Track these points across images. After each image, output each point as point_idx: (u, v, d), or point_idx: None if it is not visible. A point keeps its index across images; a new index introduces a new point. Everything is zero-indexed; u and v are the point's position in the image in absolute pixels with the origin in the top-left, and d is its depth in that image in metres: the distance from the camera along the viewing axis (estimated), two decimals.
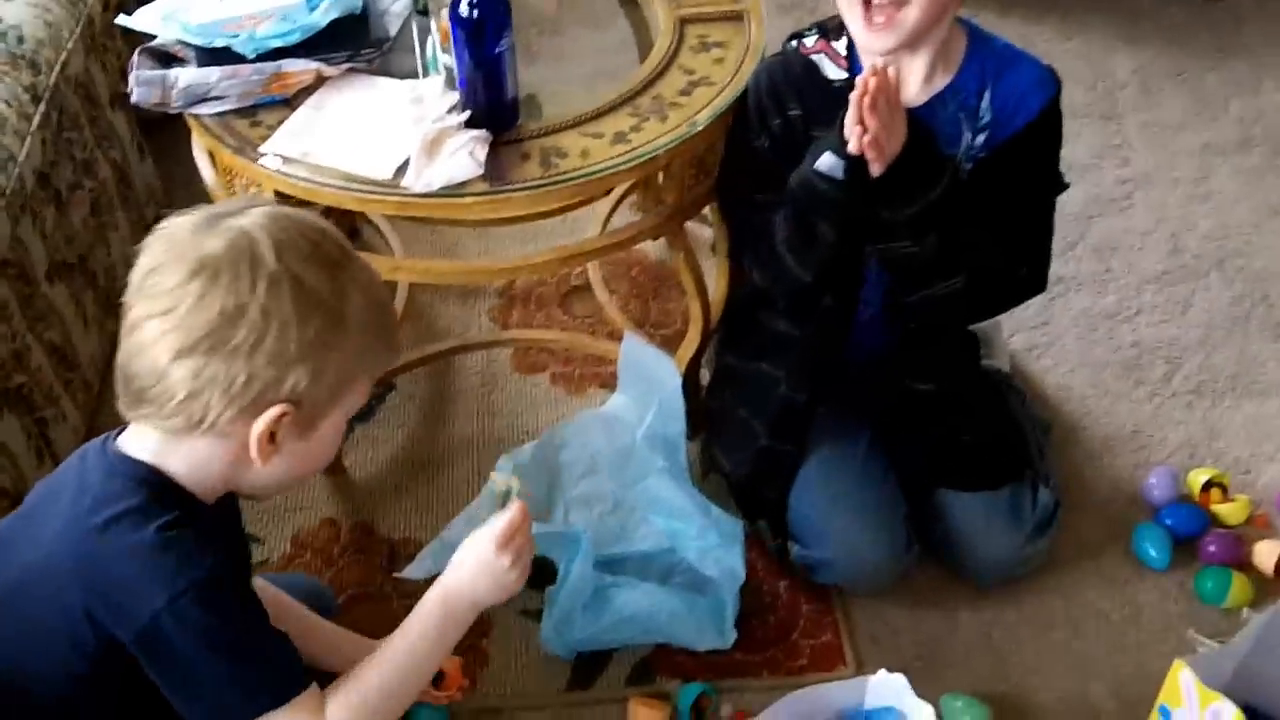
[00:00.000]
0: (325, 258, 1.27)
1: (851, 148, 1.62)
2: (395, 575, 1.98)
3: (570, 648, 1.90)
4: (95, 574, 1.25)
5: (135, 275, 1.26)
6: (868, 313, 1.89)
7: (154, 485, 1.30)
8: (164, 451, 1.31)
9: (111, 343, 2.37)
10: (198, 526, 1.29)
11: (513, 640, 1.94)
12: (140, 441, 1.32)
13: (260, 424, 1.27)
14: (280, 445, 1.30)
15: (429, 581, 1.93)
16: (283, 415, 1.27)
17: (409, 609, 1.92)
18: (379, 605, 1.97)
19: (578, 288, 2.49)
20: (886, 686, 1.58)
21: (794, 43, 1.86)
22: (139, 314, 1.25)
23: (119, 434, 1.35)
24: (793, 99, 1.81)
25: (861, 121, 1.58)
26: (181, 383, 1.23)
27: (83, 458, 1.36)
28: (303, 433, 1.31)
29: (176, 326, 1.22)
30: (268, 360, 1.23)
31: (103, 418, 2.24)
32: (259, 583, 1.62)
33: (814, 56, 1.82)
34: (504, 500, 1.51)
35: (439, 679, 1.83)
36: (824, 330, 1.88)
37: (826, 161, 1.68)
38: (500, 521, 1.47)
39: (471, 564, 1.47)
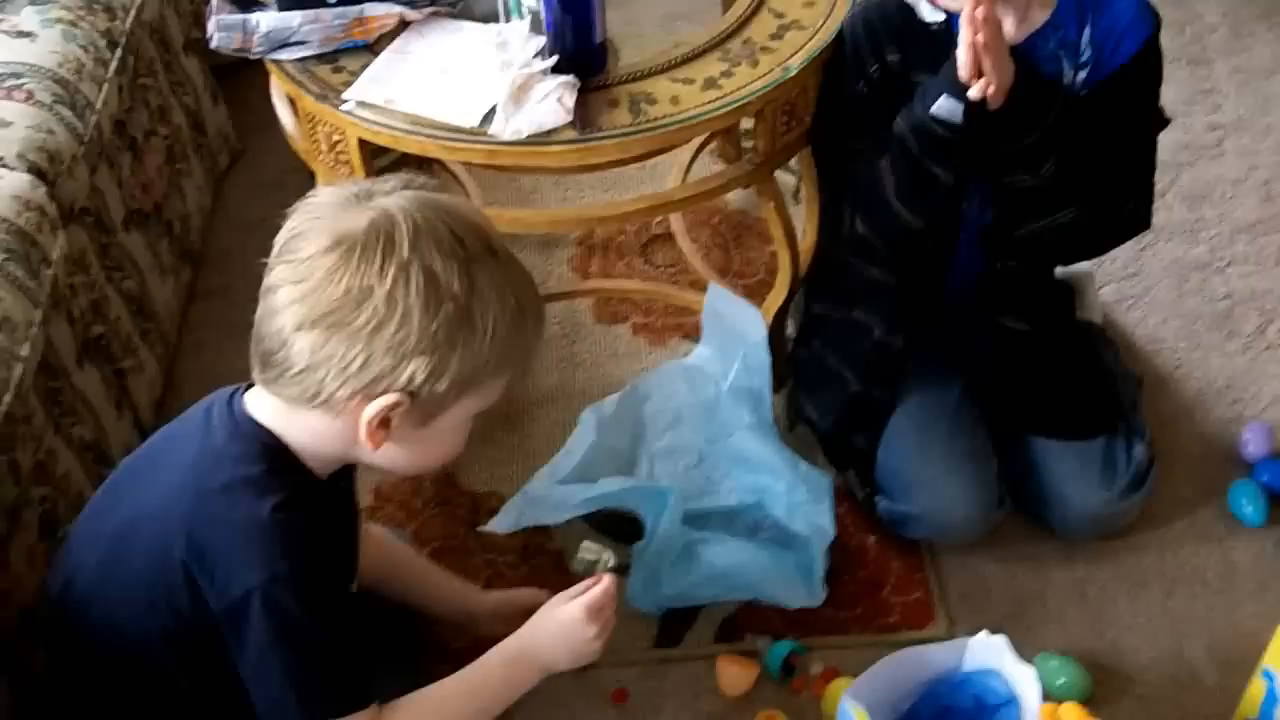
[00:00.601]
0: (465, 253, 1.22)
1: (973, 94, 1.59)
2: (479, 530, 1.96)
3: (658, 604, 1.88)
4: (203, 535, 1.24)
5: (280, 237, 1.26)
6: (962, 252, 1.85)
7: (275, 454, 1.28)
8: (285, 419, 1.29)
9: (187, 293, 2.36)
10: (310, 509, 1.28)
11: None
12: (264, 405, 1.31)
13: (371, 409, 1.24)
14: (394, 433, 1.27)
15: (513, 535, 1.96)
16: (396, 405, 1.24)
17: (491, 563, 1.95)
18: (462, 559, 1.95)
19: (658, 236, 2.44)
20: (986, 648, 1.54)
21: None
22: (275, 278, 1.24)
23: (245, 389, 1.33)
24: (891, 44, 1.76)
25: (977, 64, 1.55)
26: (301, 354, 1.22)
27: (208, 411, 1.34)
28: (419, 424, 1.28)
29: (304, 297, 1.20)
30: (387, 347, 1.20)
31: (180, 369, 2.24)
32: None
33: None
34: (591, 569, 1.51)
35: None
36: (921, 273, 1.84)
37: (945, 106, 1.64)
38: (595, 591, 1.45)
39: (555, 627, 1.45)
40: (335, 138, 1.81)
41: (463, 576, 1.91)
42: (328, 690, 1.29)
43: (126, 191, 2.12)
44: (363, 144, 1.78)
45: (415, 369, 1.22)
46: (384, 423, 1.26)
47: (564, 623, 1.44)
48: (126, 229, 2.10)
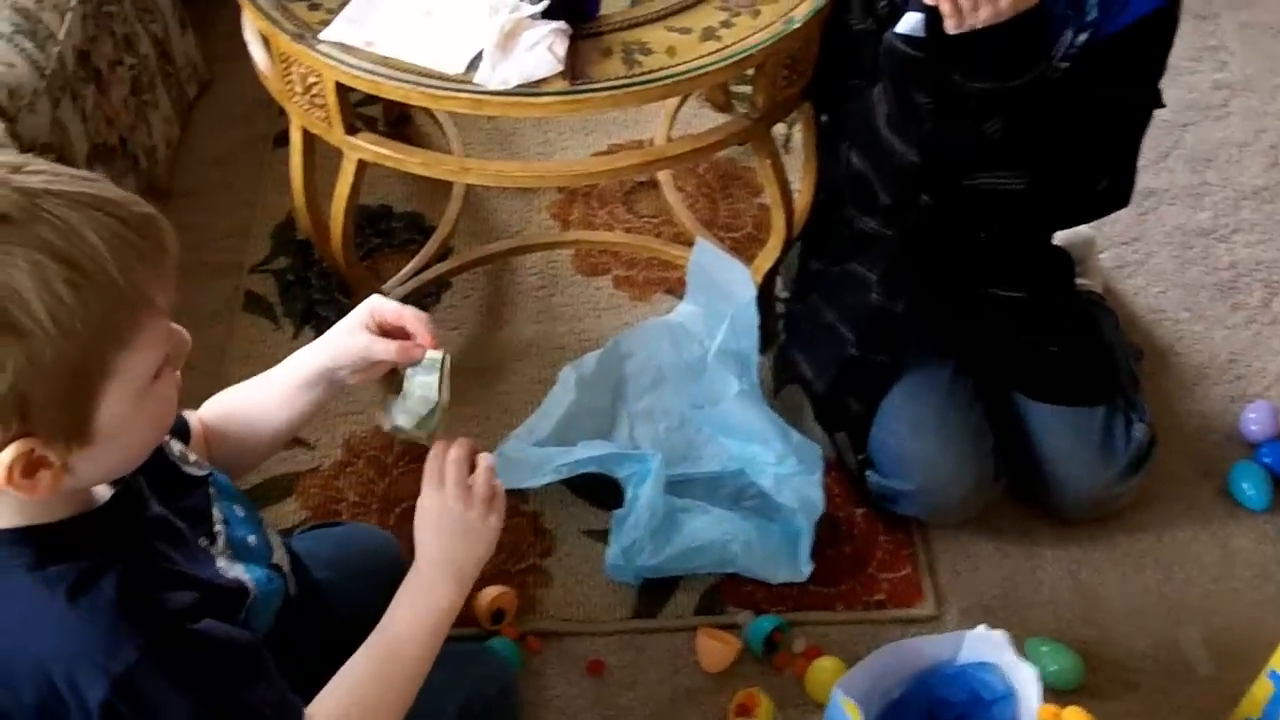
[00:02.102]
0: None
1: None
2: None
3: (637, 574, 1.81)
4: (27, 680, 1.00)
5: None
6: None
7: (20, 546, 1.00)
8: None
9: None
10: (111, 551, 1.02)
11: (576, 561, 1.86)
12: None
13: None
14: (67, 465, 0.97)
15: None
16: (18, 456, 0.93)
17: None
18: None
19: (642, 184, 2.35)
20: (985, 641, 1.48)
21: None
22: None
23: None
24: None
25: None
26: None
27: None
28: (77, 439, 0.96)
29: None
30: None
31: None
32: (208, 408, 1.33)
33: None
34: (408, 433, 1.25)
35: (500, 618, 1.75)
36: (919, 228, 1.74)
37: (909, 21, 1.55)
38: (449, 471, 1.24)
39: (437, 533, 1.23)
40: (311, 80, 1.71)
41: None
42: None
43: (91, 126, 2.01)
44: (340, 88, 1.69)
45: None
46: (30, 469, 0.94)
47: (446, 521, 1.22)
48: (90, 165, 2.00)
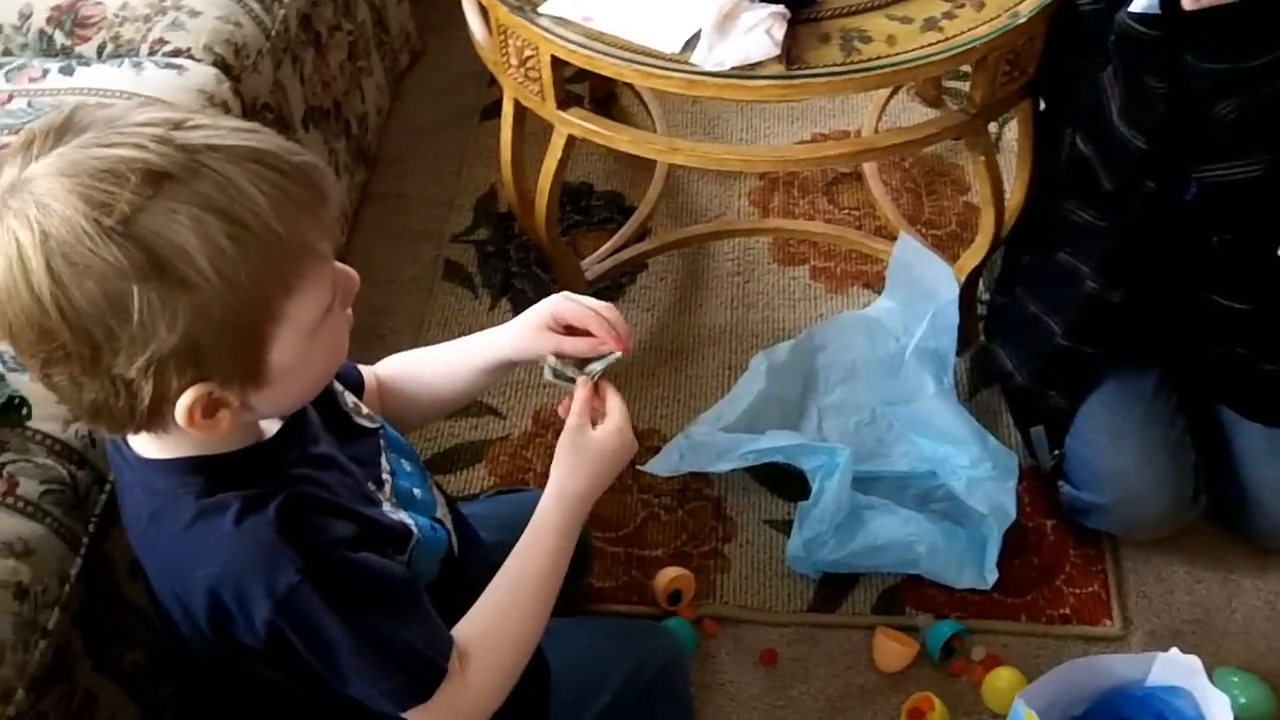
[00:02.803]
0: (114, 213, 0.91)
1: None
2: (638, 468, 1.90)
3: (817, 568, 1.80)
4: (198, 594, 1.06)
5: None
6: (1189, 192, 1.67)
7: (190, 474, 1.06)
8: (159, 444, 1.06)
9: (361, 193, 2.32)
10: (280, 486, 1.06)
11: (756, 549, 1.85)
12: (138, 441, 1.08)
13: (179, 416, 0.98)
14: (245, 403, 1.02)
15: (671, 478, 1.89)
16: (197, 399, 0.98)
17: (647, 504, 1.90)
18: (618, 496, 1.90)
19: (845, 175, 2.32)
20: (1177, 665, 1.44)
21: None
22: None
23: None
24: None
25: None
26: (62, 394, 0.99)
27: (119, 473, 1.15)
28: (254, 380, 1.01)
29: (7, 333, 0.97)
30: (90, 365, 0.95)
31: None
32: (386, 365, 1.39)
33: None
34: (566, 375, 1.27)
35: (677, 599, 1.76)
36: (1140, 216, 1.68)
37: (1143, 0, 1.49)
38: (617, 405, 1.24)
39: (608, 457, 1.23)
40: (527, 53, 1.72)
41: (618, 513, 1.88)
42: (412, 666, 1.10)
43: (308, 89, 2.07)
44: (555, 62, 1.70)
45: (147, 363, 0.94)
46: (210, 409, 1.00)
47: (620, 449, 1.24)
48: (305, 127, 2.06)
